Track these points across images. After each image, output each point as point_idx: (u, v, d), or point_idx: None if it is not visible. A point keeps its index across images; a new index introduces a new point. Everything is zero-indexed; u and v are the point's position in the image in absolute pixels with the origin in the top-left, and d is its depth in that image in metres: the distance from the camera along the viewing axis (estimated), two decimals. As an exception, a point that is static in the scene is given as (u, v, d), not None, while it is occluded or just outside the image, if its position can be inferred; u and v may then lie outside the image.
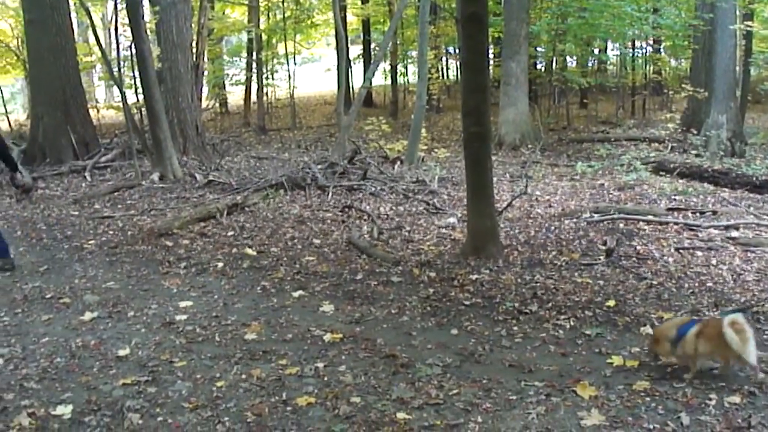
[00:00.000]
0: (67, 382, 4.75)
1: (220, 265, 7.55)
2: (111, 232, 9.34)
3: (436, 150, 15.38)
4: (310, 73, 31.53)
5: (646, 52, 23.77)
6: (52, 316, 6.21)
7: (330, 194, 10.79)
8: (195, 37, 18.55)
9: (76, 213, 10.76)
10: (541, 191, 10.79)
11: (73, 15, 19.75)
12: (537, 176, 12.18)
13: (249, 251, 8.05)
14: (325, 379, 4.55)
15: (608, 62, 24.92)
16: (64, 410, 4.31)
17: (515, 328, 5.41)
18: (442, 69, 26.96)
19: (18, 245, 9.02)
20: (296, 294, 6.50)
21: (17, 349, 5.46)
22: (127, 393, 4.50)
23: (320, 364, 4.83)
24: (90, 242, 8.86)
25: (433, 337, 5.24)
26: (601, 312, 5.70)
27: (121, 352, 5.21)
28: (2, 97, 24.15)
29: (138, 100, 16.72)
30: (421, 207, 9.95)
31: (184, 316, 5.96)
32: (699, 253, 7.32)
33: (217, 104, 26.60)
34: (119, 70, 15.28)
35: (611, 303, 5.87)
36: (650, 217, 8.60)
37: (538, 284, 6.46)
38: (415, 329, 5.53)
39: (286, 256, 7.80)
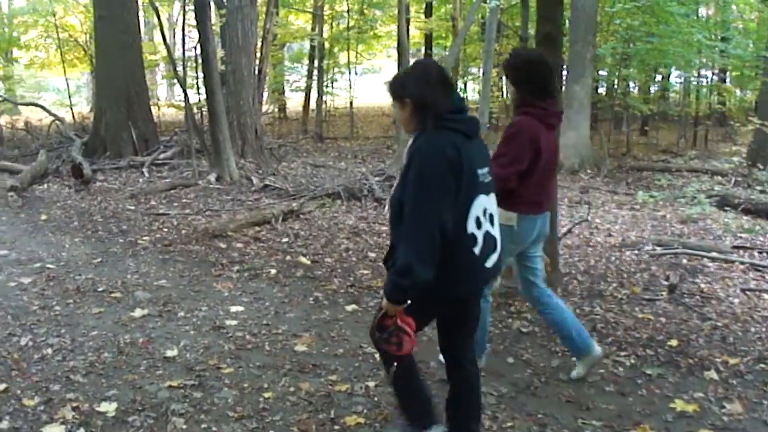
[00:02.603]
0: (113, 379, 4.70)
1: (273, 271, 7.47)
2: (165, 230, 9.35)
3: (495, 171, 15.20)
4: (369, 83, 31.56)
5: (710, 81, 23.30)
6: (102, 309, 6.20)
7: (387, 207, 10.66)
8: (260, 42, 18.60)
9: (132, 208, 10.82)
10: (600, 219, 10.54)
11: (141, 13, 20.00)
12: (596, 203, 11.93)
13: (303, 260, 7.95)
14: (376, 399, 4.41)
15: (671, 90, 24.43)
16: (109, 407, 4.27)
17: (573, 361, 5.21)
18: (503, 88, 26.76)
19: (74, 236, 9.08)
20: (349, 308, 6.37)
21: (66, 340, 5.45)
22: (172, 396, 4.44)
23: (371, 383, 4.70)
24: (144, 238, 8.87)
25: (489, 365, 5.07)
26: (662, 351, 5.46)
27: (169, 353, 5.15)
28: (68, 90, 24.60)
29: (199, 100, 16.87)
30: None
31: (235, 322, 5.89)
32: (766, 296, 7.03)
33: (277, 109, 26.72)
34: (183, 69, 15.39)
35: (673, 342, 5.63)
36: (715, 254, 8.28)
37: (598, 317, 6.25)
38: (469, 355, 5.37)
39: (340, 268, 7.68)
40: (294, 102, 27.82)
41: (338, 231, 9.32)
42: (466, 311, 3.58)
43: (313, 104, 24.39)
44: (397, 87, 3.41)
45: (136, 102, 15.87)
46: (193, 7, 13.61)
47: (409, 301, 3.19)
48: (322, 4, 24.18)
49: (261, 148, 15.56)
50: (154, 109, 18.76)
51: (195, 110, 15.75)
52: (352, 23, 24.16)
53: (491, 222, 3.38)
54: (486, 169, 3.37)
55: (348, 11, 24.19)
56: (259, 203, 11.11)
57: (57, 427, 4.04)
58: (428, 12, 26.56)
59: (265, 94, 24.19)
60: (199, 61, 14.28)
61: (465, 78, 27.46)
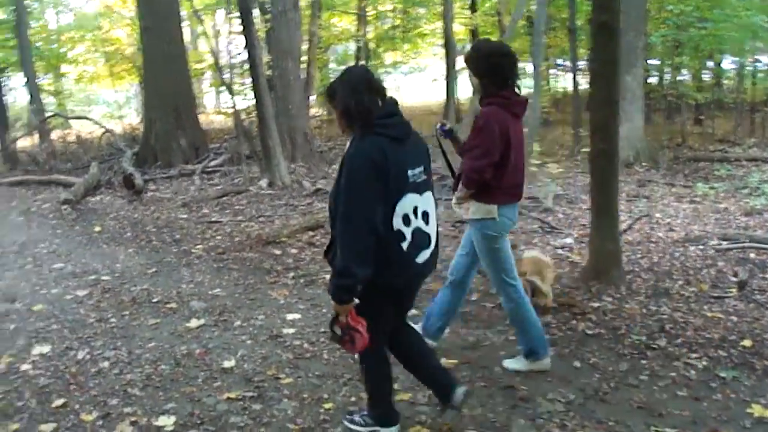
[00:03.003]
0: (171, 392, 4.66)
1: (329, 277, 7.34)
2: (219, 237, 9.34)
3: (547, 165, 14.92)
4: (416, 82, 31.41)
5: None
6: (158, 320, 6.19)
7: (441, 207, 10.50)
8: (305, 45, 18.62)
9: (185, 216, 10.85)
10: (660, 213, 10.25)
11: (186, 23, 20.18)
12: (654, 197, 11.63)
13: None
14: (439, 408, 4.29)
15: (724, 77, 23.78)
16: (167, 421, 4.23)
17: (642, 364, 5.03)
18: (552, 81, 26.40)
19: (128, 246, 9.13)
20: (409, 312, 6.20)
21: (123, 353, 5.45)
22: (231, 408, 4.37)
23: (434, 391, 4.57)
24: (198, 247, 8.87)
25: (554, 369, 4.91)
26: (736, 352, 5.22)
27: (227, 364, 5.10)
28: (117, 102, 24.92)
29: (248, 106, 16.92)
30: (536, 225, 9.57)
31: (292, 330, 5.81)
32: (843, 290, 6.74)
33: (325, 112, 26.75)
34: (230, 76, 15.43)
35: (747, 343, 5.38)
36: (785, 248, 7.99)
37: (666, 316, 6.02)
38: (534, 358, 5.20)
39: None
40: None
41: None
42: (402, 301, 3.90)
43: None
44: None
45: (184, 111, 16.00)
46: (237, 14, 13.62)
47: (356, 301, 3.46)
48: (366, 4, 24.15)
49: (311, 151, 15.55)
50: (202, 117, 18.90)
51: (243, 116, 15.79)
52: (396, 22, 24.09)
53: (425, 220, 3.61)
54: (419, 169, 3.59)
55: (393, 10, 24.11)
56: (311, 207, 11.03)
57: (116, 442, 4.01)
58: (473, 7, 26.34)
59: (313, 98, 24.26)
60: (246, 67, 14.28)
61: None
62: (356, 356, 3.84)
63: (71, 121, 22.74)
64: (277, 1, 14.51)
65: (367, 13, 24.72)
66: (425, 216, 3.62)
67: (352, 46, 26.27)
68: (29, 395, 4.72)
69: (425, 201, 3.63)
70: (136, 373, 5.03)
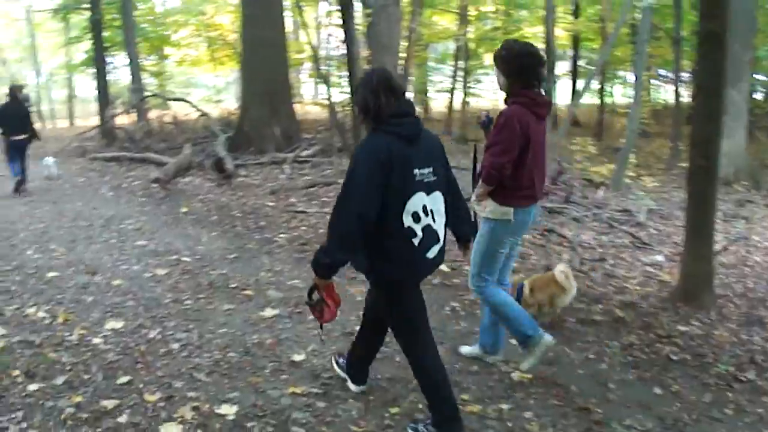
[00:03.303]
0: (237, 380, 4.60)
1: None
2: (303, 228, 9.31)
3: (642, 178, 14.45)
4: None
5: None
6: (233, 306, 6.17)
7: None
8: (404, 42, 18.53)
9: (272, 204, 10.88)
10: (759, 236, 9.78)
11: (287, 13, 20.35)
12: (753, 218, 11.11)
13: (442, 267, 7.64)
14: (509, 424, 4.09)
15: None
16: (229, 410, 4.15)
17: (728, 396, 4.73)
18: (653, 92, 25.69)
19: (211, 230, 9.19)
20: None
21: (194, 336, 5.43)
22: (295, 403, 4.27)
23: (505, 406, 4.38)
24: (281, 236, 8.86)
25: (633, 394, 4.66)
26: (833, 392, 4.88)
27: (296, 357, 5.01)
28: (216, 87, 25.34)
29: (343, 99, 16.95)
30: (626, 239, 9.23)
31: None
32: None
33: (421, 110, 26.69)
34: (328, 68, 15.46)
35: None
36: None
37: (757, 347, 5.67)
38: (614, 381, 4.92)
39: None
40: (437, 103, 27.67)
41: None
42: (411, 296, 3.99)
43: (456, 105, 24.16)
44: (353, 91, 4.04)
45: (279, 100, 16.11)
46: (337, 7, 13.63)
47: (333, 278, 3.78)
48: (467, 4, 23.94)
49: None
50: (298, 107, 19.02)
51: (338, 109, 15.80)
52: (497, 24, 23.81)
53: (433, 218, 3.77)
54: (428, 169, 3.73)
55: (495, 11, 23.84)
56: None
57: (175, 426, 3.96)
58: (576, 13, 25.85)
59: (410, 95, 24.18)
60: (344, 60, 14.30)
61: (612, 82, 26.55)
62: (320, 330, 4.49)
63: (169, 103, 23.22)
64: (378, -5, 14.46)
65: (469, 13, 24.48)
66: (434, 214, 3.78)
67: (451, 45, 26.07)
68: (96, 369, 4.74)
69: (434, 200, 3.78)
70: (205, 357, 5.00)
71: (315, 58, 16.47)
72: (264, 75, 16.03)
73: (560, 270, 5.83)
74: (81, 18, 27.30)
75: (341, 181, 10.27)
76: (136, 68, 22.42)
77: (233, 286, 6.76)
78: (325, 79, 15.21)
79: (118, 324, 5.66)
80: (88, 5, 23.66)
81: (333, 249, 3.61)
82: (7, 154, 13.01)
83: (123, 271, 7.31)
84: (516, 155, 4.37)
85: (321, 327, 4.37)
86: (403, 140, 3.64)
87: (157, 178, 12.15)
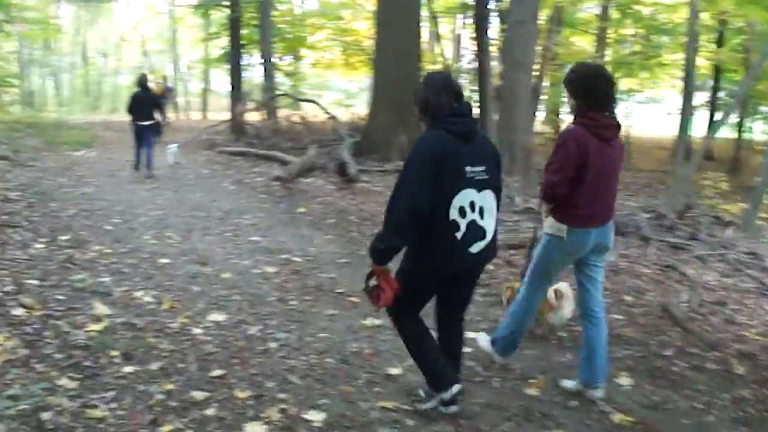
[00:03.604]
0: (329, 387, 4.54)
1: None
2: (420, 239, 9.20)
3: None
4: (649, 113, 30.11)
5: None
6: (336, 312, 6.14)
7: (652, 248, 9.82)
8: (539, 60, 18.26)
9: (378, 222, 10.84)
10: None
11: (424, 23, 20.37)
12: None
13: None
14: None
15: None
16: (316, 417, 4.09)
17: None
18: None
19: (326, 232, 9.23)
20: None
21: (293, 338, 5.42)
22: (383, 418, 4.16)
23: (602, 448, 4.14)
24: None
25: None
26: None
27: (392, 371, 4.91)
28: (348, 91, 25.64)
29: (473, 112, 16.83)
30: (752, 284, 8.72)
31: (468, 349, 5.46)
32: None
33: (552, 131, 26.23)
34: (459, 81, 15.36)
35: None
36: None
37: None
38: (721, 436, 4.61)
39: None
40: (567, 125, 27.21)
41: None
42: (459, 287, 4.33)
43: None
44: (415, 91, 4.20)
45: (409, 108, 16.07)
46: (473, 21, 13.55)
47: (390, 266, 4.07)
48: (607, 26, 23.42)
49: (529, 167, 15.17)
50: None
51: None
52: (636, 48, 23.17)
53: (481, 214, 3.99)
54: (480, 168, 3.97)
55: (634, 35, 23.21)
56: (518, 225, 10.63)
57: (260, 426, 3.92)
58: (720, 41, 24.86)
59: (540, 114, 23.81)
60: (476, 74, 14.19)
61: (752, 116, 25.40)
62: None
63: (300, 103, 23.63)
64: (516, 10, 14.25)
65: (608, 35, 23.92)
66: (482, 211, 4.00)
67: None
68: (192, 359, 4.78)
69: (483, 198, 4.01)
70: (301, 360, 4.97)
71: (446, 70, 16.42)
72: (395, 83, 16.07)
73: (554, 287, 5.76)
74: (221, 15, 28.21)
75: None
76: (270, 67, 22.91)
77: (340, 291, 6.74)
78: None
79: (220, 317, 5.72)
80: (228, 3, 24.42)
81: (388, 236, 3.91)
82: (136, 137, 13.97)
83: (233, 264, 7.42)
84: (571, 175, 4.42)
85: (377, 310, 4.60)
86: (457, 138, 3.91)
87: (279, 176, 12.33)
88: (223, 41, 29.14)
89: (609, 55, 24.40)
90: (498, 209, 4.17)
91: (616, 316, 6.75)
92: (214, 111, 37.70)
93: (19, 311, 5.39)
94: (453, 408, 4.23)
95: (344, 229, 9.58)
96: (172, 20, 41.93)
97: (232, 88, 24.20)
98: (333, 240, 8.93)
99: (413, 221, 3.83)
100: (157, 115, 14.10)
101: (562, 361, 5.51)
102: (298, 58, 31.81)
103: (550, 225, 4.68)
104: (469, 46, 17.52)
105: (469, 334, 5.09)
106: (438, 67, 24.77)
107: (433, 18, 15.85)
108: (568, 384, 4.95)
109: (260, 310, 5.99)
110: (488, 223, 4.04)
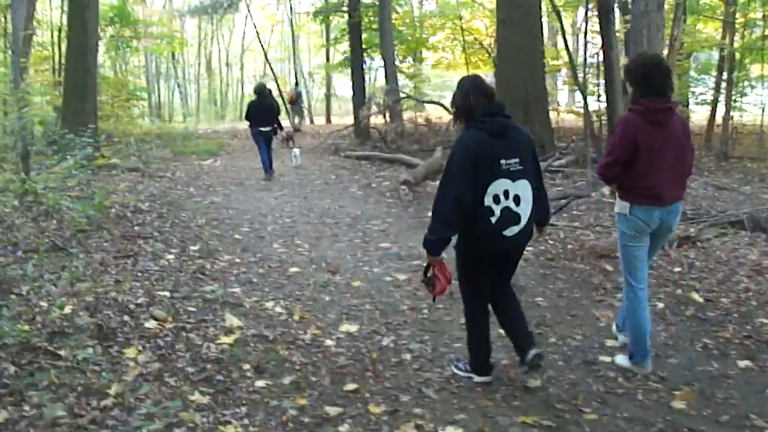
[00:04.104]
0: (466, 401, 4.43)
1: (660, 305, 6.60)
2: (550, 242, 8.95)
3: None
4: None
5: None
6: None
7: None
8: (666, 50, 17.57)
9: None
10: None
11: (544, 18, 20.00)
12: None
13: (695, 296, 6.95)
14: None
15: None
16: (453, 432, 3.97)
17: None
18: None
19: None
20: (742, 364, 5.28)
21: (428, 348, 5.37)
22: (521, 435, 4.01)
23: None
24: (528, 249, 8.54)
25: None
26: None
27: (532, 383, 4.74)
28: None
29: (599, 108, 16.36)
30: None
31: (608, 359, 5.22)
32: None
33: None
34: (584, 76, 14.98)
35: None
36: None
37: None
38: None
39: (736, 312, 6.50)
40: (698, 116, 26.10)
41: (738, 266, 8.09)
42: (499, 267, 4.75)
43: (718, 119, 22.59)
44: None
45: (534, 106, 15.81)
46: (596, 13, 13.13)
47: (444, 256, 4.52)
48: (734, 10, 22.34)
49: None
50: (552, 115, 18.64)
51: (594, 118, 15.25)
52: (767, 32, 22.01)
53: (516, 202, 4.47)
54: (515, 160, 4.44)
55: (763, 18, 22.05)
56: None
57: (396, 443, 3.84)
58: None
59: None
60: (602, 68, 13.77)
61: None
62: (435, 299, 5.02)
63: (423, 105, 23.60)
64: (640, 0, 13.76)
65: (736, 20, 22.82)
66: (516, 199, 4.47)
67: (715, 55, 24.46)
68: (325, 372, 4.77)
69: (518, 187, 4.47)
70: (436, 372, 4.88)
71: (571, 65, 16.00)
72: (518, 80, 15.81)
73: None
74: (341, 20, 28.51)
75: (594, 194, 9.93)
76: (391, 70, 22.96)
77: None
78: (580, 86, 14.70)
79: (352, 327, 5.70)
80: (347, 9, 24.65)
81: (437, 228, 4.41)
82: (256, 143, 15.04)
83: (364, 272, 7.40)
84: (622, 158, 4.86)
85: (434, 300, 5.11)
86: (492, 135, 4.43)
87: (407, 180, 12.27)
88: (344, 46, 29.47)
89: (737, 40, 23.27)
90: (539, 195, 4.68)
91: (764, 320, 6.23)
92: (337, 116, 38.21)
93: (151, 324, 5.52)
94: (485, 379, 4.79)
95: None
96: (293, 28, 42.70)
97: (355, 92, 24.40)
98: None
99: (458, 213, 4.34)
100: (274, 121, 15.05)
101: (709, 370, 5.16)
102: (419, 59, 31.86)
103: (617, 204, 5.14)
104: (591, 40, 17.02)
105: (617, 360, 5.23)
106: (560, 62, 24.37)
107: (555, 12, 15.46)
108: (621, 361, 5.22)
109: (393, 319, 5.94)
110: (524, 209, 4.52)
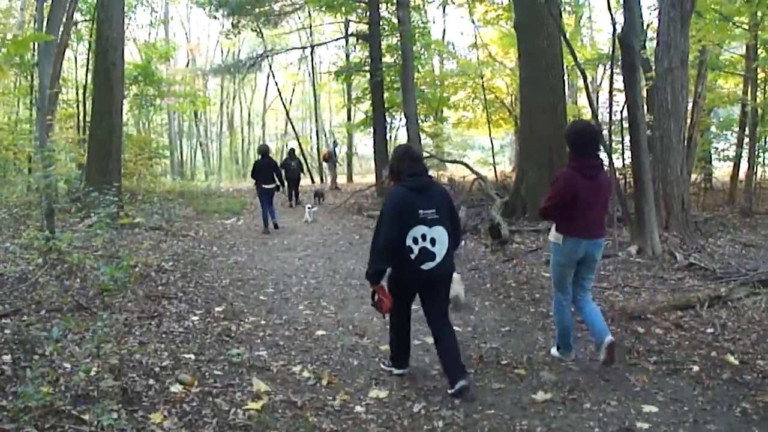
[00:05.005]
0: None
1: (695, 368, 6.39)
2: (580, 304, 8.79)
3: None
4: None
5: None
6: (503, 386, 5.87)
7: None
8: (690, 107, 17.50)
9: (547, 275, 10.41)
10: None
11: (565, 76, 20.06)
12: None
13: (730, 358, 6.75)
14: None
15: None
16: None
17: None
18: None
19: (484, 298, 9.00)
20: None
21: (459, 415, 5.21)
22: None
23: None
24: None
25: None
26: None
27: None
28: (492, 149, 25.51)
29: (623, 166, 16.28)
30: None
31: (646, 425, 5.09)
32: None
33: (702, 179, 25.08)
34: (609, 133, 14.91)
35: None
36: None
37: None
38: None
39: None
40: (720, 172, 25.94)
41: (772, 326, 7.93)
42: (428, 296, 6.01)
43: (741, 175, 22.42)
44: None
45: (558, 164, 15.73)
46: (618, 71, 13.11)
47: (384, 283, 5.79)
48: (756, 66, 22.31)
49: (687, 221, 14.44)
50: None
51: (618, 176, 15.15)
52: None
53: (431, 243, 5.74)
54: (431, 210, 5.75)
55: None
56: (682, 283, 9.99)
57: None
58: None
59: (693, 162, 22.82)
60: (625, 125, 13.71)
61: None
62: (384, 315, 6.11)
63: (446, 164, 23.64)
64: (664, 57, 13.72)
65: (757, 76, 22.77)
66: (432, 241, 5.75)
67: (735, 110, 24.40)
68: (356, 441, 4.60)
69: (434, 231, 5.76)
70: (468, 439, 4.71)
71: (595, 122, 15.94)
72: (541, 139, 15.83)
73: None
74: (362, 80, 28.72)
75: (621, 254, 9.87)
76: (414, 129, 23.04)
77: (504, 362, 6.46)
78: (604, 144, 14.63)
79: (382, 393, 5.57)
80: (368, 68, 24.85)
81: (373, 262, 5.73)
82: (259, 199, 16.61)
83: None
84: (558, 203, 6.24)
85: (383, 317, 6.27)
86: (413, 191, 5.78)
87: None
88: (366, 105, 29.65)
89: (759, 95, 23.20)
90: (454, 239, 5.96)
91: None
92: (359, 174, 38.33)
93: (176, 388, 5.40)
94: (402, 371, 6.14)
95: (503, 294, 9.29)
96: (315, 87, 43.11)
97: (377, 151, 24.49)
98: (492, 306, 8.66)
99: (388, 249, 5.65)
100: (277, 179, 16.50)
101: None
102: (440, 118, 32.00)
103: (552, 234, 6.50)
104: (615, 97, 17.01)
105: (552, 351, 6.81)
106: (583, 119, 24.36)
107: (580, 71, 15.46)
108: (554, 352, 6.81)
109: (423, 384, 5.81)
110: (439, 249, 5.78)
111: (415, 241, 5.66)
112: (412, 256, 5.66)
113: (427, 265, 5.71)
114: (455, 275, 7.61)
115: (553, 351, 6.78)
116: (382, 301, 5.78)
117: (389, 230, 5.61)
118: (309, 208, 19.02)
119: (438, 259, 5.74)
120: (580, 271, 6.50)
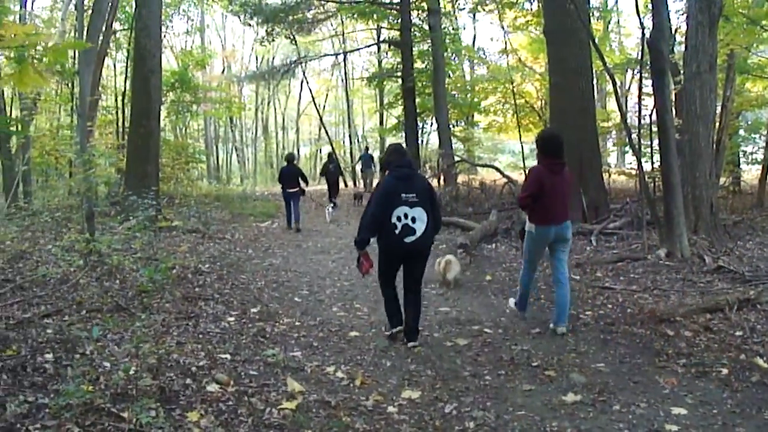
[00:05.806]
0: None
1: (725, 371, 6.30)
2: (609, 306, 8.73)
3: None
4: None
5: None
6: (533, 387, 5.83)
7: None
8: (718, 110, 17.30)
9: (576, 278, 10.38)
10: None
11: (595, 80, 19.96)
12: None
13: (760, 362, 6.62)
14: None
15: None
16: None
17: None
18: None
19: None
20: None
21: (491, 416, 5.17)
22: None
23: None
24: (587, 313, 8.37)
25: None
26: None
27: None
28: (522, 153, 25.43)
29: (652, 169, 16.13)
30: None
31: (675, 427, 5.03)
32: None
33: (731, 182, 24.77)
34: (639, 137, 14.78)
35: None
36: None
37: None
38: None
39: None
40: (749, 174, 25.61)
41: (805, 331, 7.80)
42: (409, 264, 7.18)
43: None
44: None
45: (588, 168, 15.66)
46: (647, 75, 13.00)
47: (367, 249, 7.06)
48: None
49: (716, 224, 14.26)
50: (604, 176, 18.42)
51: (648, 179, 15.01)
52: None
53: (412, 221, 6.91)
54: (412, 195, 6.94)
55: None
56: (711, 286, 9.86)
57: None
58: None
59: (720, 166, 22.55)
60: (653, 129, 13.59)
61: None
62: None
63: (478, 168, 23.57)
64: (692, 61, 13.58)
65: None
66: (413, 219, 6.91)
67: (763, 113, 24.11)
68: (388, 442, 4.60)
69: (414, 211, 6.93)
70: (501, 442, 4.69)
71: (625, 126, 15.80)
72: (571, 143, 15.50)
73: (445, 258, 10.18)
74: (395, 85, 28.74)
75: (650, 256, 9.79)
76: (445, 133, 23.02)
77: (535, 364, 6.42)
78: (633, 147, 14.51)
79: (414, 394, 5.56)
80: (400, 74, 24.86)
81: (361, 232, 6.95)
82: (285, 201, 18.02)
83: (424, 337, 7.28)
84: (531, 194, 7.37)
85: (363, 276, 7.48)
86: (399, 179, 6.97)
87: (463, 243, 12.15)
88: (398, 110, 29.66)
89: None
90: (434, 222, 7.11)
91: None
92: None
93: (213, 387, 5.42)
94: (396, 329, 7.21)
95: (533, 297, 9.20)
96: (348, 92, 43.23)
97: (408, 155, 24.47)
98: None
99: (375, 223, 6.88)
100: (300, 183, 17.82)
101: None
102: (471, 123, 31.95)
103: (527, 224, 7.69)
104: (644, 100, 16.84)
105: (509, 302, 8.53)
106: (611, 124, 24.17)
107: (609, 76, 15.34)
108: (511, 303, 8.49)
109: (454, 386, 5.79)
110: (419, 226, 6.93)
111: (399, 219, 6.87)
112: (396, 231, 6.87)
113: (409, 239, 6.92)
114: (452, 257, 10.04)
115: (510, 302, 8.54)
116: (363, 264, 7.10)
117: (378, 209, 6.88)
118: (329, 208, 21.01)
119: (418, 233, 6.95)
120: (556, 246, 7.67)
